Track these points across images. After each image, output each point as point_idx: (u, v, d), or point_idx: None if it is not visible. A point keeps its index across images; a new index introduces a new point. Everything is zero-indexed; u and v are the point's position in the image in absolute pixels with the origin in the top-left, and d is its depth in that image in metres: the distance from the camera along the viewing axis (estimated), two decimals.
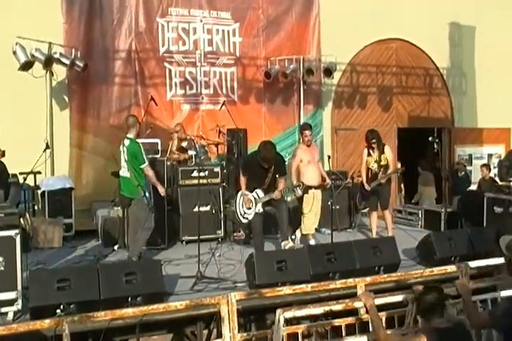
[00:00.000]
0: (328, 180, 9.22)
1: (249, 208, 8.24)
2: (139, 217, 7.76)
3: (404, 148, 13.84)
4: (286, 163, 9.52)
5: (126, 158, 7.64)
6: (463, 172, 13.59)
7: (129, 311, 5.04)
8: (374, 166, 9.31)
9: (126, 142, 7.67)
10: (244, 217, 8.37)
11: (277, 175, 8.25)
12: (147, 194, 7.63)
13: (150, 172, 7.71)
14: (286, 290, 5.63)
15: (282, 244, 8.21)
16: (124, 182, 7.81)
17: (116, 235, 9.04)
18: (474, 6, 14.39)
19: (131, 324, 5.32)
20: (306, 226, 9.04)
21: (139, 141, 7.92)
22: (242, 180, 8.41)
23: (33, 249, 8.38)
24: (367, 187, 9.28)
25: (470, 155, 15.09)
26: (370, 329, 5.24)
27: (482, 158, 15.09)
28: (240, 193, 8.45)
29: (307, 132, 9.04)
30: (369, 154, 9.36)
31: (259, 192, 8.21)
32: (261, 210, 8.21)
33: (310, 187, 8.86)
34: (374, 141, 9.27)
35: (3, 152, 9.18)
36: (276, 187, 8.20)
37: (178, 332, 6.10)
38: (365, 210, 12.35)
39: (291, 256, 6.81)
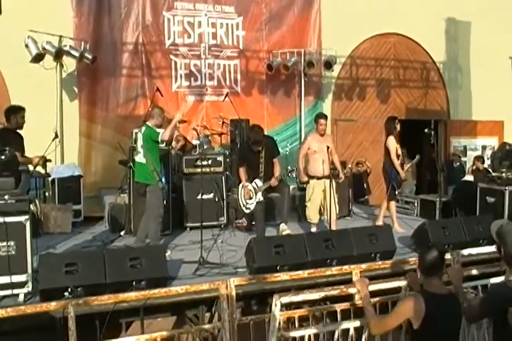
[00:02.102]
0: (341, 174, 9.06)
1: (251, 198, 8.40)
2: (152, 205, 7.67)
3: (402, 139, 14.09)
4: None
5: (142, 143, 7.61)
6: (458, 163, 13.84)
7: (131, 295, 5.12)
8: (400, 154, 9.24)
9: (143, 128, 7.70)
10: (246, 208, 8.52)
11: (271, 158, 8.47)
12: (163, 179, 7.64)
13: (167, 132, 7.49)
14: (284, 276, 5.69)
15: (280, 226, 8.40)
16: (139, 168, 7.76)
17: (123, 221, 9.15)
18: (470, 2, 14.53)
19: (136, 307, 5.46)
20: (307, 216, 8.96)
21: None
22: (241, 171, 8.60)
23: (42, 234, 8.47)
24: (403, 175, 9.22)
25: (465, 147, 15.29)
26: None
27: (476, 149, 15.28)
28: (240, 185, 8.60)
29: (322, 121, 8.75)
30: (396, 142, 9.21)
31: (258, 181, 8.37)
32: (261, 199, 8.37)
33: (312, 177, 8.75)
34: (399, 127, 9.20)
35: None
36: (272, 173, 8.38)
37: (182, 315, 6.22)
38: (363, 199, 12.71)
39: (289, 241, 6.91)
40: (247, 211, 8.64)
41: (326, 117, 9.00)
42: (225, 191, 9.78)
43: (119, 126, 11.48)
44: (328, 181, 8.53)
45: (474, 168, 13.02)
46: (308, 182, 8.84)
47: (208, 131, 11.39)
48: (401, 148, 9.35)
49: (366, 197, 12.90)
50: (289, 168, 8.45)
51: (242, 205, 8.61)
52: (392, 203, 9.49)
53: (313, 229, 8.88)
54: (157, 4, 12.09)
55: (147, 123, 7.80)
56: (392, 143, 9.20)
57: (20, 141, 8.05)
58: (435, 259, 4.05)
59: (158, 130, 7.57)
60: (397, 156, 9.18)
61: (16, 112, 8.15)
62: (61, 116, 10.97)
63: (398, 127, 9.29)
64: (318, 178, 8.71)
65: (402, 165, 9.38)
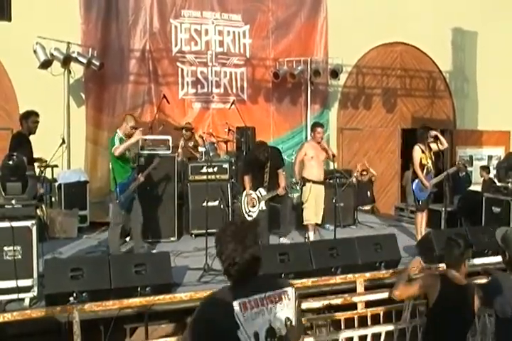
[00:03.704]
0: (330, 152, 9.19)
1: (254, 206, 8.50)
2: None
3: (407, 148, 14.09)
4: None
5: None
6: (463, 173, 13.74)
7: (136, 301, 5.20)
8: (429, 163, 9.07)
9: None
10: (249, 215, 8.58)
11: (276, 168, 8.60)
12: (117, 189, 7.59)
13: (120, 148, 7.44)
14: None
15: (280, 240, 8.55)
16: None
17: (128, 227, 8.88)
18: (477, 12, 14.55)
19: (140, 312, 5.51)
20: (304, 217, 9.08)
21: (151, 137, 8.10)
22: (246, 179, 8.65)
23: (48, 239, 8.46)
24: (428, 186, 9.00)
25: (471, 157, 15.27)
26: (369, 323, 5.44)
27: (482, 159, 15.29)
28: (244, 193, 8.68)
29: (319, 129, 9.09)
30: (422, 151, 9.05)
31: (262, 190, 8.49)
32: (264, 208, 8.49)
33: (308, 181, 8.99)
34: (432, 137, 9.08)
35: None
36: (277, 183, 8.50)
37: (186, 322, 6.04)
38: (367, 207, 12.71)
39: (294, 248, 6.96)
40: (249, 218, 8.65)
41: (322, 126, 9.42)
42: (231, 198, 9.82)
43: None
44: (318, 186, 9.04)
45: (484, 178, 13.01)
46: (304, 185, 9.05)
47: (214, 139, 11.43)
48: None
49: (371, 205, 12.86)
50: (293, 180, 8.82)
51: (244, 213, 8.69)
52: (418, 214, 9.33)
53: (311, 233, 9.04)
54: (164, 12, 12.12)
55: (117, 130, 7.83)
56: (417, 152, 9.10)
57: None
58: (454, 253, 4.31)
59: (116, 142, 7.54)
60: (422, 166, 9.04)
61: (26, 117, 8.30)
62: (68, 122, 11.04)
63: (429, 142, 9.17)
64: (314, 182, 9.01)
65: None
